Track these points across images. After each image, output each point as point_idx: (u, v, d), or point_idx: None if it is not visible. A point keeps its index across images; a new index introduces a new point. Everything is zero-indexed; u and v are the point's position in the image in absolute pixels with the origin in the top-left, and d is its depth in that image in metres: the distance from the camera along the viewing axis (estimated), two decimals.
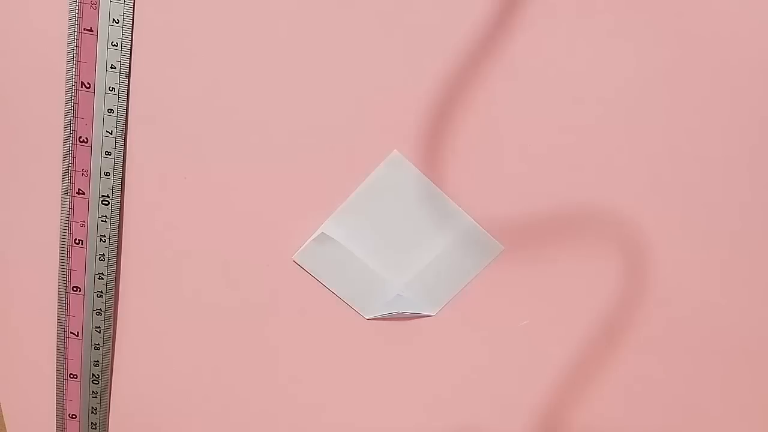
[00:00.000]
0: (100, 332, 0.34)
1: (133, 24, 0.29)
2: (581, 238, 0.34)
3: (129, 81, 0.30)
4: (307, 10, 0.30)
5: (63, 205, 0.32)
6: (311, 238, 0.34)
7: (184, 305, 0.35)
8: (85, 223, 0.32)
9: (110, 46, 0.29)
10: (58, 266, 0.33)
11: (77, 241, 0.32)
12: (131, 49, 0.30)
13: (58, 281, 0.33)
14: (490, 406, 0.38)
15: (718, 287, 0.36)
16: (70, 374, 0.35)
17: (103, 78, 0.30)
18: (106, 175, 0.31)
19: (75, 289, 0.33)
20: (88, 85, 0.30)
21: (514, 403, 0.38)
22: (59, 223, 0.32)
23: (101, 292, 0.33)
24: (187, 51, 0.30)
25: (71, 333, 0.34)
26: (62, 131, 0.31)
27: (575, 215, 0.34)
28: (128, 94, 0.30)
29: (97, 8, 0.29)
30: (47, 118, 0.30)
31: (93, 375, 0.35)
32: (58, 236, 0.32)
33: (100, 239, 0.32)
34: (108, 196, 0.32)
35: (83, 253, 0.32)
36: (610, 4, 0.30)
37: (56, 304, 0.33)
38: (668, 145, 0.33)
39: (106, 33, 0.29)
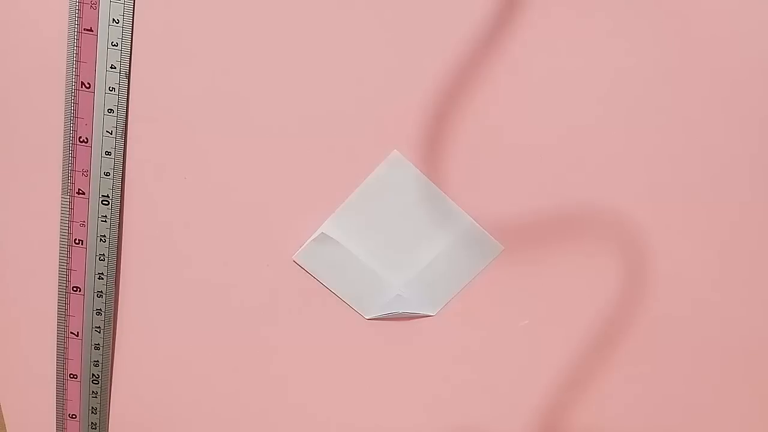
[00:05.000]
0: (100, 332, 0.34)
1: (133, 24, 0.29)
2: (581, 238, 0.34)
3: (129, 81, 0.30)
4: (307, 10, 0.30)
5: (63, 205, 0.32)
6: (311, 238, 0.34)
7: (184, 305, 0.35)
8: (85, 223, 0.32)
9: (110, 46, 0.29)
10: (58, 266, 0.33)
11: (77, 241, 0.32)
12: (131, 49, 0.30)
13: (58, 281, 0.33)
14: (490, 406, 0.38)
15: (718, 287, 0.36)
16: (70, 374, 0.35)
17: (103, 78, 0.30)
18: (106, 175, 0.31)
19: (75, 289, 0.33)
20: (88, 85, 0.30)
21: (514, 403, 0.38)
22: (59, 223, 0.32)
23: (101, 292, 0.33)
24: (187, 51, 0.30)
25: (71, 333, 0.34)
26: (62, 131, 0.31)
27: (575, 215, 0.34)
28: (128, 94, 0.30)
29: (97, 8, 0.29)
30: (47, 118, 0.30)
31: (93, 375, 0.35)
32: (58, 236, 0.32)
33: (100, 239, 0.32)
34: (108, 196, 0.32)
35: (83, 253, 0.32)
36: (609, 4, 0.30)
37: (56, 304, 0.33)
38: (668, 145, 0.33)
39: (106, 33, 0.29)
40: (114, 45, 0.29)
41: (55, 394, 0.36)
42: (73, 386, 0.35)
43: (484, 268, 0.35)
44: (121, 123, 0.31)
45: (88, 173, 0.31)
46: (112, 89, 0.30)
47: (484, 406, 0.38)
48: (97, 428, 0.36)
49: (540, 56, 0.31)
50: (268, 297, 0.35)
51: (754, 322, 0.37)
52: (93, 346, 0.34)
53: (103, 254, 0.32)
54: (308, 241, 0.34)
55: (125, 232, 0.33)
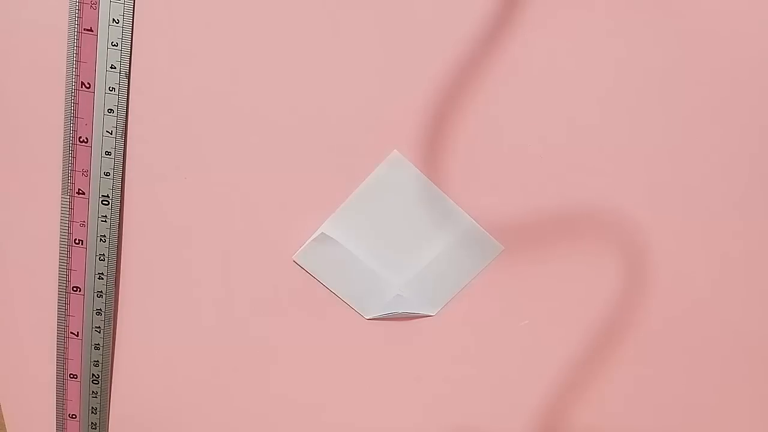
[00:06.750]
0: (100, 332, 0.34)
1: (133, 24, 0.29)
2: (581, 238, 0.34)
3: (129, 81, 0.30)
4: (307, 11, 0.30)
5: (63, 205, 0.32)
6: (311, 238, 0.34)
7: (184, 305, 0.35)
8: (85, 223, 0.32)
9: (110, 46, 0.29)
10: (58, 266, 0.33)
11: (77, 241, 0.32)
12: (131, 49, 0.30)
13: (58, 281, 0.33)
14: (490, 406, 0.38)
15: (718, 287, 0.36)
16: (70, 374, 0.35)
17: (103, 78, 0.30)
18: (106, 175, 0.31)
19: (75, 289, 0.33)
20: (88, 85, 0.30)
21: (514, 403, 0.38)
22: (59, 223, 0.32)
23: (101, 292, 0.33)
24: (187, 51, 0.30)
25: (71, 333, 0.34)
26: (62, 131, 0.31)
27: (575, 215, 0.34)
28: (128, 94, 0.30)
29: (97, 8, 0.29)
30: (47, 118, 0.30)
31: (93, 375, 0.35)
32: (58, 236, 0.32)
33: (100, 239, 0.32)
34: (108, 196, 0.32)
35: (83, 253, 0.32)
36: (609, 4, 0.30)
37: (56, 304, 0.33)
38: (668, 145, 0.33)
39: (106, 33, 0.29)
40: (114, 45, 0.29)
41: (55, 394, 0.36)
42: (73, 386, 0.35)
43: (484, 268, 0.35)
44: (121, 123, 0.31)
45: (88, 173, 0.31)
46: (112, 89, 0.30)
47: (484, 406, 0.38)
48: (97, 428, 0.36)
49: (540, 56, 0.31)
50: (268, 297, 0.35)
51: (754, 322, 0.37)
52: (93, 346, 0.34)
53: (103, 254, 0.32)
54: (308, 241, 0.34)
55: (125, 232, 0.33)
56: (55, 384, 0.35)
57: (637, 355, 0.37)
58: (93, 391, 0.35)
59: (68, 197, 0.31)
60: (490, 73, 0.31)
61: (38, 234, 0.33)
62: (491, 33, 0.31)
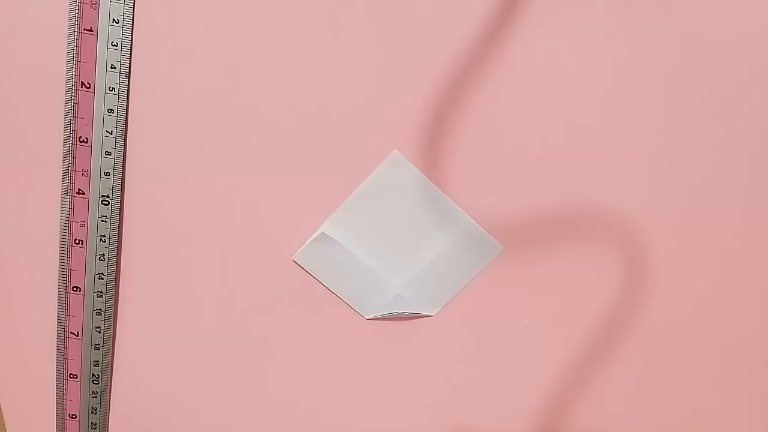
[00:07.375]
0: (100, 332, 0.34)
1: (133, 24, 0.29)
2: (581, 238, 0.34)
3: (129, 81, 0.30)
4: (307, 11, 0.30)
5: (63, 205, 0.32)
6: (311, 238, 0.34)
7: (184, 305, 0.35)
8: (85, 223, 0.32)
9: (110, 46, 0.29)
10: (58, 266, 0.33)
11: (77, 241, 0.32)
12: (131, 49, 0.30)
13: (58, 281, 0.33)
14: (490, 406, 0.38)
15: (718, 287, 0.36)
16: (70, 374, 0.35)
17: (103, 78, 0.30)
18: (106, 175, 0.31)
19: (75, 289, 0.33)
20: (88, 85, 0.30)
21: (514, 403, 0.38)
22: (59, 223, 0.32)
23: (101, 292, 0.33)
24: (187, 51, 0.30)
25: (71, 333, 0.34)
26: (62, 131, 0.31)
27: (575, 215, 0.34)
28: (128, 94, 0.30)
29: (97, 8, 0.29)
30: (47, 118, 0.30)
31: (93, 375, 0.35)
32: (58, 236, 0.32)
33: (100, 239, 0.32)
34: (108, 196, 0.32)
35: (83, 253, 0.32)
36: (609, 4, 0.30)
37: (56, 304, 0.33)
38: (668, 145, 0.33)
39: (106, 33, 0.29)
40: (114, 45, 0.29)
41: (55, 394, 0.36)
42: (73, 386, 0.35)
43: (484, 268, 0.35)
44: (121, 123, 0.31)
45: (88, 173, 0.31)
46: (112, 89, 0.30)
47: (484, 406, 0.38)
48: (97, 428, 0.36)
49: (540, 56, 0.31)
50: (268, 297, 0.35)
51: (754, 323, 0.37)
52: (93, 346, 0.34)
53: (103, 254, 0.32)
54: (308, 241, 0.34)
55: (125, 232, 0.33)
56: (55, 384, 0.35)
57: (637, 355, 0.37)
58: (93, 391, 0.35)
59: (68, 197, 0.31)
60: (490, 73, 0.31)
61: (38, 234, 0.33)
62: (491, 33, 0.31)
